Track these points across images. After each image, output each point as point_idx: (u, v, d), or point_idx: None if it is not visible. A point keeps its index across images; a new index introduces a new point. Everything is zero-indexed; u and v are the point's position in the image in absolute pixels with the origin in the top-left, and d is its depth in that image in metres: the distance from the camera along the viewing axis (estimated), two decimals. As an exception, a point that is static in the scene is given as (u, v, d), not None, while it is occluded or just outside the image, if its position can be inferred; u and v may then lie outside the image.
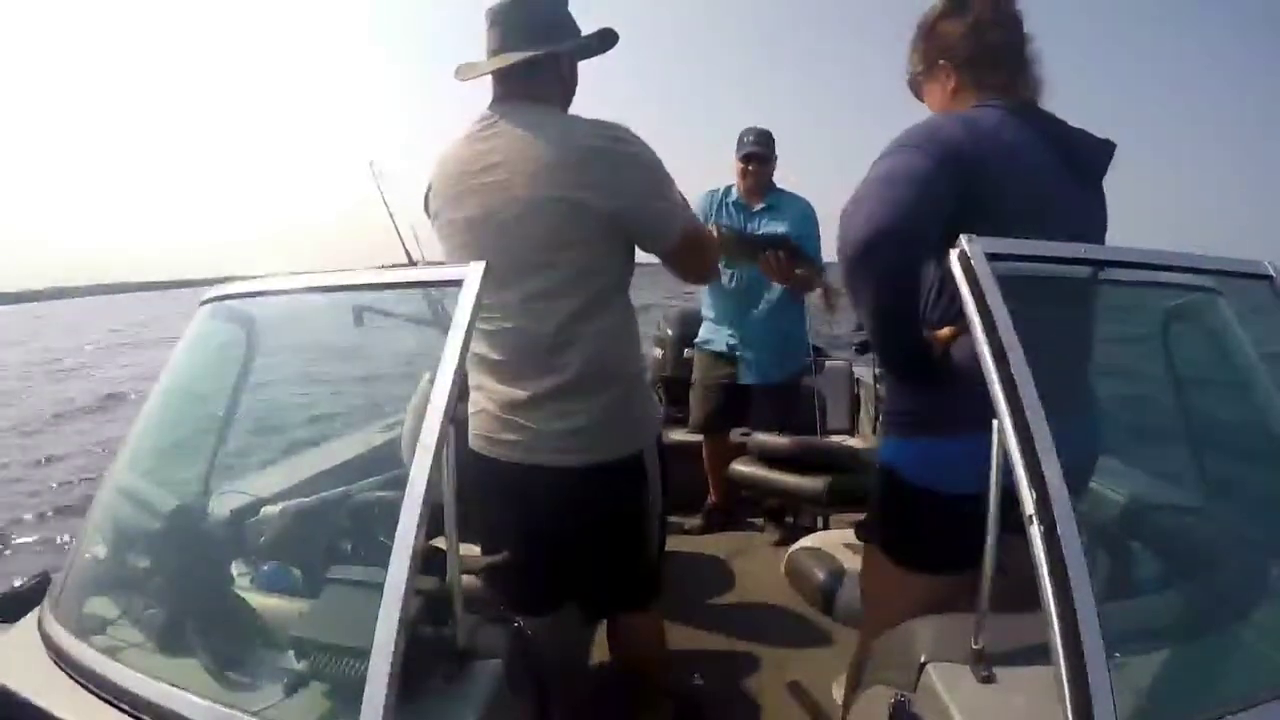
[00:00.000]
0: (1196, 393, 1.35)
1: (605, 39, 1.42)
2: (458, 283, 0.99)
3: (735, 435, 2.90)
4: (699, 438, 3.10)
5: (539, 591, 1.43)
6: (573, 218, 1.26)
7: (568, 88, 1.41)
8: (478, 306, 0.97)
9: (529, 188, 1.26)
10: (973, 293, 0.87)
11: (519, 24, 1.32)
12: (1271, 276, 1.10)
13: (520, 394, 1.33)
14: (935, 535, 1.16)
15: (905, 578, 1.24)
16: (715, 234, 2.31)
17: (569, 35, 1.37)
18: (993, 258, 0.90)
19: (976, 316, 0.86)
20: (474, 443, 1.41)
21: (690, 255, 1.43)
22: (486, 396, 1.39)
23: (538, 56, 1.31)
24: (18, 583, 1.38)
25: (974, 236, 0.91)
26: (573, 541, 1.39)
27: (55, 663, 1.08)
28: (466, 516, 0.99)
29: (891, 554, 1.29)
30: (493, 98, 1.37)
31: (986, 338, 0.84)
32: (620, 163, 1.28)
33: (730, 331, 2.94)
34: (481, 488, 1.38)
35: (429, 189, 1.43)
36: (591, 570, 1.45)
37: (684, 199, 1.42)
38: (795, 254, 2.32)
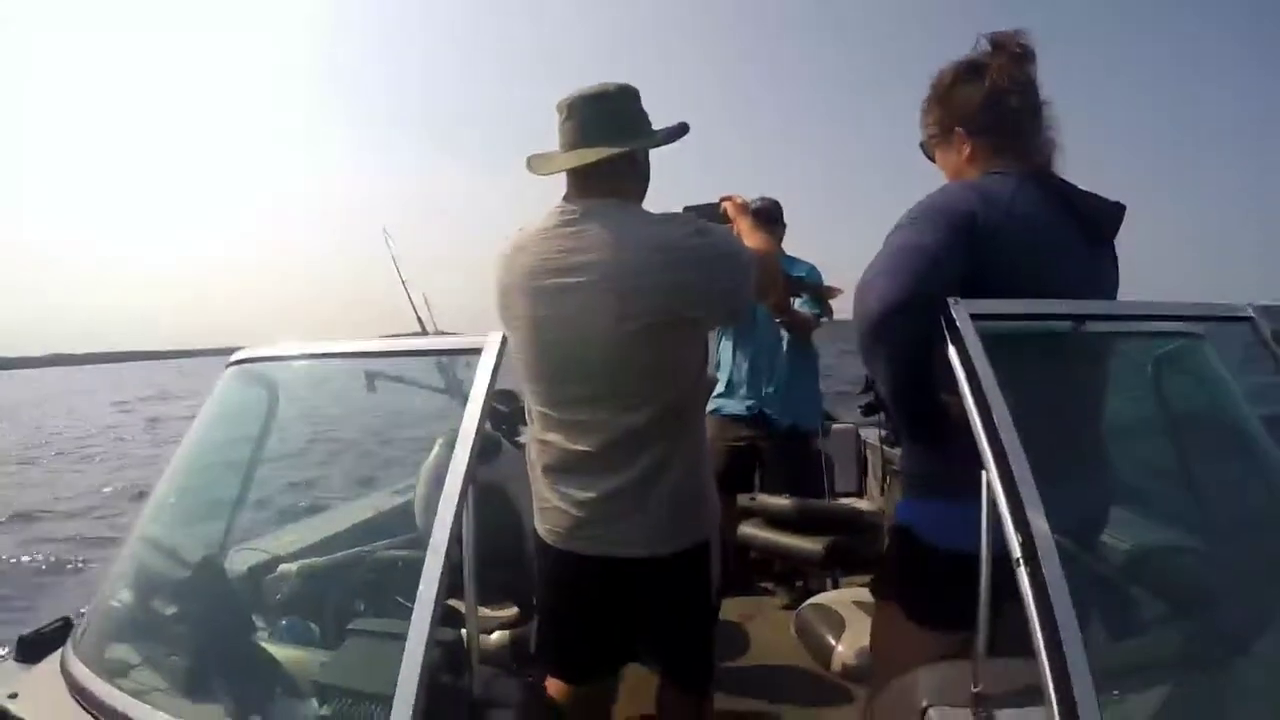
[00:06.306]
0: (1187, 434, 1.37)
1: (677, 132, 1.40)
2: (477, 350, 1.04)
3: (742, 500, 2.92)
4: None
5: (591, 663, 1.43)
6: (661, 330, 1.25)
7: (645, 181, 1.41)
8: (496, 375, 1.00)
9: (618, 298, 1.23)
10: (958, 351, 0.94)
11: (598, 119, 1.30)
12: (1252, 319, 1.13)
13: (591, 488, 1.31)
14: (947, 593, 1.16)
15: (917, 634, 1.23)
16: None
17: (645, 129, 1.36)
18: (977, 318, 0.96)
19: (962, 373, 0.92)
20: (544, 535, 1.39)
21: (758, 295, 1.43)
22: (553, 488, 1.36)
23: (621, 154, 1.28)
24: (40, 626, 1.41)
25: (959, 300, 0.98)
26: (636, 625, 1.39)
27: (78, 701, 1.13)
28: (483, 578, 1.02)
29: (904, 611, 1.29)
30: (570, 190, 1.35)
31: (971, 392, 0.90)
32: (707, 260, 1.26)
33: (748, 385, 2.98)
34: (547, 575, 1.41)
35: (500, 278, 1.36)
36: (651, 647, 1.46)
37: (749, 254, 1.38)
38: (793, 287, 2.35)
